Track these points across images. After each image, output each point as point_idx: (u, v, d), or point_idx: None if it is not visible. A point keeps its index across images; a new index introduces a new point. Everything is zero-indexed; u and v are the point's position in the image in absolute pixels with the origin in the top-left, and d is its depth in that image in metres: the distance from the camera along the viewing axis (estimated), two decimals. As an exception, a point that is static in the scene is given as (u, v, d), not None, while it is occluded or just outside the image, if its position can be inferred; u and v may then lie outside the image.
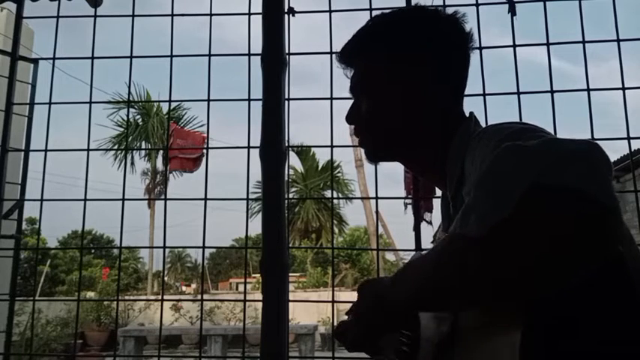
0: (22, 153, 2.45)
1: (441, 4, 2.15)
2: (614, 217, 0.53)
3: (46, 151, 2.38)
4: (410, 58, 0.89)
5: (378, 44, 0.93)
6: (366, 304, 0.76)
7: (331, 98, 2.16)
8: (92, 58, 2.37)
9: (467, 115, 0.91)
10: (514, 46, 2.14)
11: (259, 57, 2.00)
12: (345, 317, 1.26)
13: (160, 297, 2.73)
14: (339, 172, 23.47)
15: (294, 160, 23.94)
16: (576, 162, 0.55)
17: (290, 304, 1.95)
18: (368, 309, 0.75)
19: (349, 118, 0.97)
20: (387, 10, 0.98)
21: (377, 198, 2.16)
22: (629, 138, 2.02)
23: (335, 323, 1.30)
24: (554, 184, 0.53)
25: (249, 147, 2.13)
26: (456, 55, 0.91)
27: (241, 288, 20.35)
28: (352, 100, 0.98)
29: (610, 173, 0.56)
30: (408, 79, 0.89)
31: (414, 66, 0.89)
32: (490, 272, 0.56)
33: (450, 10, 0.93)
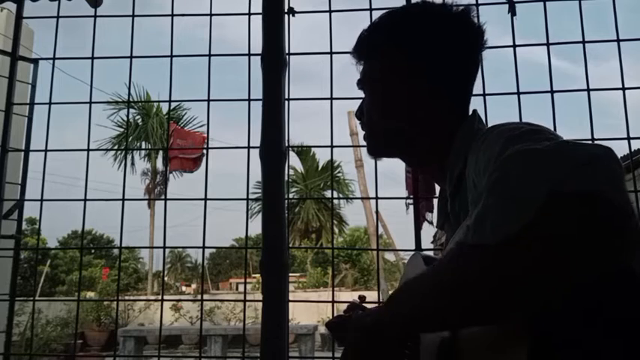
0: (22, 153, 2.45)
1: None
2: (633, 223, 0.52)
3: (46, 151, 2.38)
4: (414, 58, 0.89)
5: (386, 41, 0.93)
6: (354, 343, 0.69)
7: (331, 98, 2.16)
8: (92, 58, 2.37)
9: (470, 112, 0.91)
10: (514, 46, 2.14)
11: (259, 57, 2.00)
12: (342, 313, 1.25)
13: (160, 297, 2.73)
14: (339, 172, 23.47)
15: (294, 160, 23.95)
16: (594, 168, 0.53)
17: (290, 304, 1.95)
18: (356, 348, 0.69)
19: (359, 114, 0.98)
20: (396, 7, 0.98)
21: (377, 198, 2.16)
22: (629, 138, 2.02)
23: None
24: (573, 191, 0.52)
25: (249, 147, 2.13)
26: (462, 54, 0.90)
27: (241, 288, 20.34)
28: (358, 99, 1.00)
29: (624, 178, 0.55)
30: (411, 78, 0.89)
31: (418, 65, 0.88)
32: (505, 278, 0.54)
33: (460, 7, 0.91)
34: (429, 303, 0.61)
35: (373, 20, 0.98)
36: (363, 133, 0.97)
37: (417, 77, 0.88)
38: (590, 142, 0.61)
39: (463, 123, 0.86)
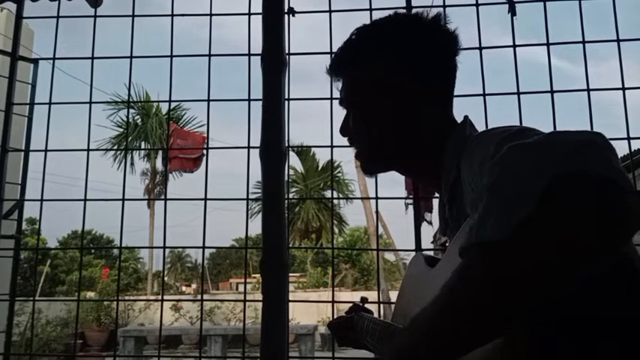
0: (22, 153, 2.45)
1: (441, 4, 2.15)
2: (634, 197, 0.53)
3: (46, 151, 2.38)
4: (397, 67, 0.90)
5: (364, 56, 0.93)
6: None
7: (331, 98, 2.16)
8: (92, 58, 2.37)
9: (461, 117, 0.92)
10: (514, 46, 2.14)
11: (259, 57, 2.00)
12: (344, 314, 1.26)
13: (160, 297, 2.73)
14: (339, 172, 23.48)
15: (294, 160, 23.96)
16: (587, 150, 0.54)
17: (290, 304, 1.95)
18: None
19: (343, 131, 0.97)
20: (374, 20, 0.99)
21: (377, 198, 2.16)
22: (629, 138, 2.02)
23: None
24: (572, 174, 0.52)
25: (249, 147, 2.13)
26: (442, 58, 0.91)
27: (241, 288, 20.34)
28: (345, 112, 0.99)
29: (617, 158, 0.55)
30: (396, 87, 0.89)
31: (402, 74, 0.89)
32: (519, 276, 0.52)
33: (432, 13, 0.93)
34: (443, 335, 0.56)
35: (349, 36, 0.97)
36: (355, 151, 0.96)
37: (408, 83, 0.89)
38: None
39: (455, 129, 0.87)
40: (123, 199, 2.31)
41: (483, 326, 0.54)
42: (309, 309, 11.61)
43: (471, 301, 0.54)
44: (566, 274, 0.52)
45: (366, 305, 1.23)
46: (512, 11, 2.18)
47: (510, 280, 0.52)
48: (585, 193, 0.52)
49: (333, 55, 0.98)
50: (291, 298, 1.97)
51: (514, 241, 0.52)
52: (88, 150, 2.37)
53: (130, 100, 14.73)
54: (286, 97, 2.03)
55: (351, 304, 1.26)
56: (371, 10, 2.17)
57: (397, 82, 0.89)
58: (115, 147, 19.10)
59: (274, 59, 1.98)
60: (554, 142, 0.56)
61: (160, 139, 19.18)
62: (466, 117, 0.90)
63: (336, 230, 24.30)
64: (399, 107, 0.89)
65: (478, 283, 0.54)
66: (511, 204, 0.54)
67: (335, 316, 1.36)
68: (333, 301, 2.29)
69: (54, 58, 2.42)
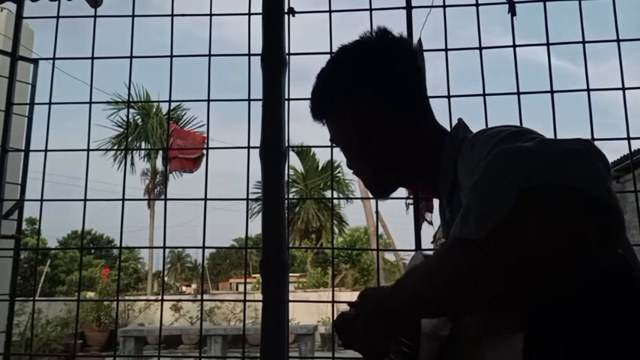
0: (22, 153, 2.45)
1: (441, 4, 2.15)
2: (612, 214, 0.53)
3: (46, 151, 2.38)
4: (367, 99, 0.91)
5: (332, 106, 0.96)
6: (365, 309, 0.77)
7: (331, 98, 2.16)
8: (92, 58, 2.37)
9: (463, 117, 0.92)
10: (514, 46, 2.14)
11: (259, 57, 2.00)
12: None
13: (160, 297, 2.73)
14: (339, 172, 23.42)
15: (294, 160, 23.95)
16: (572, 161, 0.55)
17: (290, 304, 1.95)
18: (366, 315, 0.76)
19: (349, 164, 1.02)
20: (329, 60, 1.03)
21: (377, 198, 2.16)
22: (629, 138, 2.02)
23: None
24: (550, 183, 0.54)
25: (249, 147, 2.13)
26: (405, 82, 0.92)
27: (241, 288, 20.33)
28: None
29: (607, 170, 0.56)
30: (376, 117, 0.91)
31: (375, 104, 0.91)
32: (488, 274, 0.56)
33: (375, 27, 0.95)
34: (423, 291, 0.66)
35: (315, 80, 1.00)
36: (363, 182, 1.01)
37: (378, 113, 0.91)
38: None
39: (447, 135, 0.89)
40: (123, 199, 2.31)
41: (448, 303, 0.63)
42: (309, 309, 11.60)
43: (442, 281, 0.62)
44: (528, 275, 0.54)
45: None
46: (512, 11, 2.18)
47: (474, 276, 0.57)
48: (558, 204, 0.53)
49: (310, 102, 1.01)
50: (291, 298, 1.97)
51: (487, 241, 0.55)
52: (88, 150, 2.37)
53: (130, 100, 14.73)
54: (286, 97, 2.03)
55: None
56: (371, 10, 2.17)
57: (379, 108, 0.91)
58: (115, 147, 19.07)
59: (274, 59, 1.98)
60: (542, 149, 0.58)
61: (160, 139, 19.15)
62: (459, 120, 0.91)
63: (336, 230, 24.30)
64: (386, 135, 0.91)
65: (449, 272, 0.61)
66: (489, 205, 0.56)
67: (335, 317, 1.36)
68: (333, 301, 2.29)
69: (54, 58, 2.43)
